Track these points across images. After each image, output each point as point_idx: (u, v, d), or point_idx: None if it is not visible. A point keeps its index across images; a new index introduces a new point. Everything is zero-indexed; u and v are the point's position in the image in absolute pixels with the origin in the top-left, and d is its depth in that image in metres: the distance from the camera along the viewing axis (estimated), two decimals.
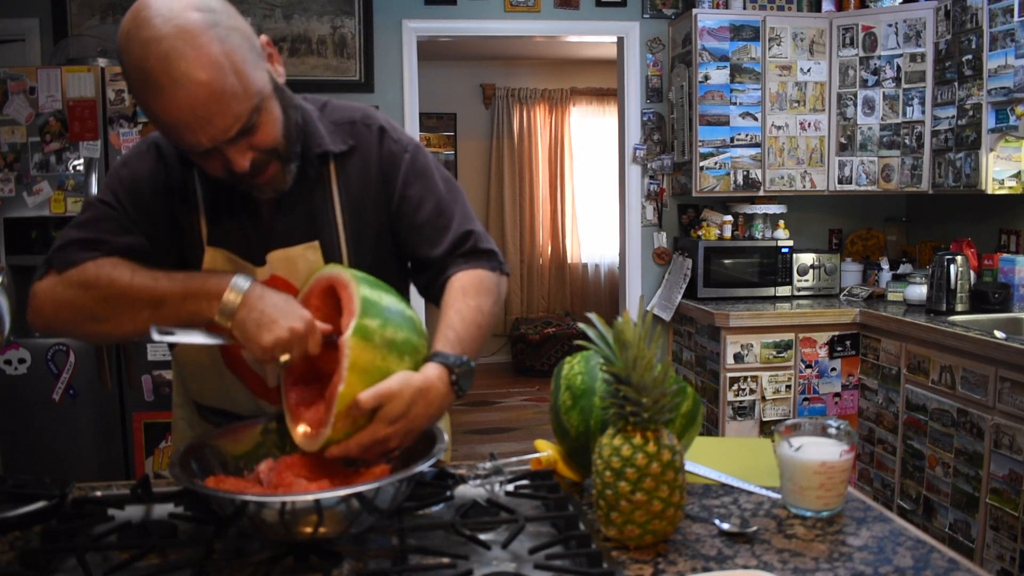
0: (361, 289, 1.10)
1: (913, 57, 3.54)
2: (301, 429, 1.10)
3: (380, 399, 1.03)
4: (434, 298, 1.33)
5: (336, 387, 1.03)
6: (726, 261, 3.85)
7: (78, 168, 2.95)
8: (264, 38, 1.15)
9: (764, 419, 3.48)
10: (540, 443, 1.27)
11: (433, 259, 1.31)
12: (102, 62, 3.07)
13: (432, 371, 1.10)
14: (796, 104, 3.77)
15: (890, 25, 3.60)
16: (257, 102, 1.08)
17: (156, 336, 1.05)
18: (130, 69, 1.03)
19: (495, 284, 1.30)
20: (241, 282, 1.10)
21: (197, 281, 1.11)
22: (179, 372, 1.46)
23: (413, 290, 1.42)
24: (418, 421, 1.07)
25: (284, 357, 1.07)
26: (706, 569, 0.98)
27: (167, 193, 1.24)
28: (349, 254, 1.28)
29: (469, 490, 1.18)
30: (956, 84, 3.32)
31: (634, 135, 4.17)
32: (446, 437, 1.14)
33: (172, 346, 1.35)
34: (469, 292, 1.25)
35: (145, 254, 1.19)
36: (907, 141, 3.60)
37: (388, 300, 1.12)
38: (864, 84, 3.69)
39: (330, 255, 1.26)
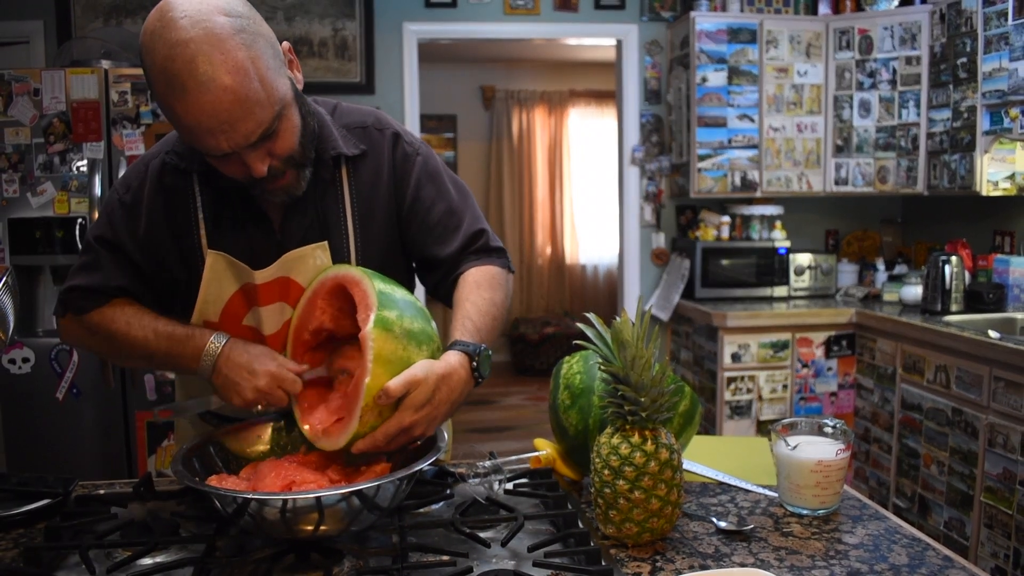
0: (376, 283, 1.11)
1: (908, 60, 3.56)
2: (319, 428, 1.12)
3: (408, 386, 1.05)
4: (444, 295, 1.34)
5: (361, 380, 1.04)
6: (723, 262, 3.86)
7: (82, 169, 2.96)
8: (286, 44, 1.15)
9: (761, 418, 3.50)
10: (539, 442, 1.28)
11: (445, 257, 1.33)
12: (105, 64, 3.08)
13: (454, 358, 1.12)
14: (793, 106, 3.78)
15: (886, 28, 3.61)
16: (279, 109, 1.08)
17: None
18: (154, 69, 1.03)
19: (505, 280, 1.34)
20: (214, 346, 1.18)
21: (179, 344, 1.21)
22: (182, 376, 1.48)
23: (419, 290, 1.43)
24: (442, 408, 1.09)
25: (258, 408, 1.16)
26: (703, 567, 0.99)
27: (166, 212, 1.26)
28: (357, 255, 1.29)
29: (469, 488, 1.19)
30: (951, 87, 3.33)
31: (632, 137, 4.18)
32: (447, 436, 1.15)
33: None
34: (483, 285, 1.27)
35: (142, 288, 1.28)
36: (903, 143, 3.61)
37: (400, 293, 1.15)
38: (860, 87, 3.71)
39: (339, 256, 1.27)
